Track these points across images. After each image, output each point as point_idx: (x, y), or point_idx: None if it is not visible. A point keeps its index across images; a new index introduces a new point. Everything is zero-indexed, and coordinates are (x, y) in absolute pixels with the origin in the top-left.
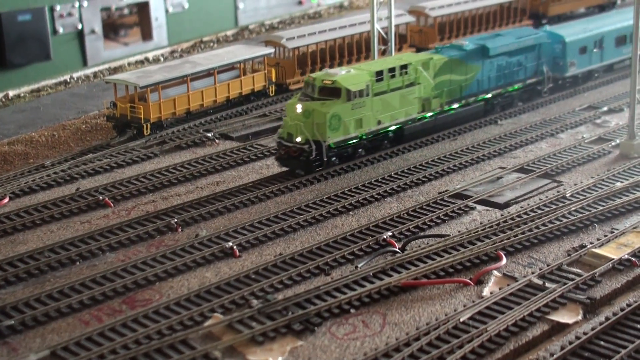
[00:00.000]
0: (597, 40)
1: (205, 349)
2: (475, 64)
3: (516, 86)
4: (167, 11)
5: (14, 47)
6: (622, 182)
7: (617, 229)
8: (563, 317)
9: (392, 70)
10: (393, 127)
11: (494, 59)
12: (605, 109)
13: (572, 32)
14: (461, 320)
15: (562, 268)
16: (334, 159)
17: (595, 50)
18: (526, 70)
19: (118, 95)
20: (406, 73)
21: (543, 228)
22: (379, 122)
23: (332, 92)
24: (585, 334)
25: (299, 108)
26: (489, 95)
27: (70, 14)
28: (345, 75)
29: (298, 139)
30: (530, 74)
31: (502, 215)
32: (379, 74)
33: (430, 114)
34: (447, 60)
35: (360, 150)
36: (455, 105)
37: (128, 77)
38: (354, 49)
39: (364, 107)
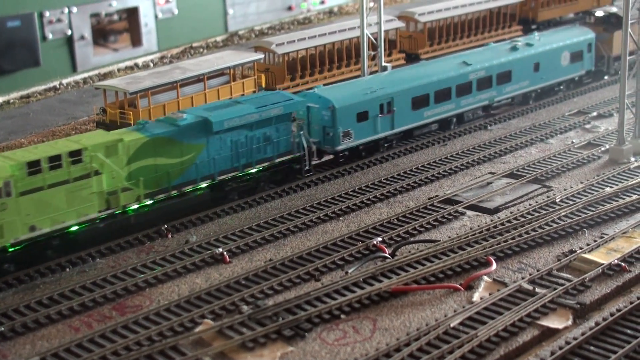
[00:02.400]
0: (385, 102)
1: (195, 355)
2: (196, 142)
3: (261, 166)
4: (156, 17)
5: (3, 53)
6: (611, 187)
7: (607, 234)
8: (553, 322)
9: (55, 159)
10: (60, 231)
11: (225, 135)
12: (594, 114)
13: (347, 94)
14: (451, 325)
15: (552, 273)
16: None
17: (382, 115)
18: (278, 145)
19: (108, 101)
20: (79, 161)
21: (533, 233)
22: (33, 228)
23: None
24: (575, 339)
25: None
26: (219, 180)
27: (59, 20)
28: None
29: None
30: (283, 150)
31: (492, 220)
32: (34, 165)
33: (120, 211)
34: (149, 140)
35: (7, 265)
36: (162, 196)
37: (118, 83)
38: (344, 55)
39: (5, 211)
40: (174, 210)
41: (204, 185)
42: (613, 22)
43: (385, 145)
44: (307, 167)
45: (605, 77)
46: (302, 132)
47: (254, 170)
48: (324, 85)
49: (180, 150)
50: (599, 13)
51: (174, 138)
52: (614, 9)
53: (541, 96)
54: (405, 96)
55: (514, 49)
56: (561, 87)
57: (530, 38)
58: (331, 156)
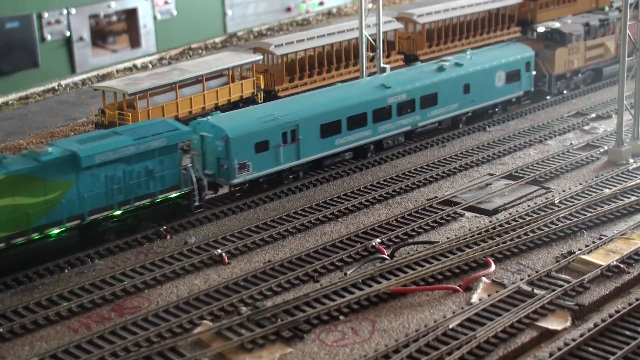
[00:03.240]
0: (288, 130)
1: (194, 356)
2: (63, 178)
3: (142, 203)
4: (155, 18)
5: (1, 54)
6: (610, 188)
7: (606, 236)
8: (552, 323)
9: None
10: None
11: (97, 170)
12: (593, 115)
13: (244, 122)
14: (450, 327)
15: (551, 275)
16: None
17: (285, 144)
18: (162, 179)
19: (106, 102)
20: None
21: (532, 235)
22: None
23: None
24: (574, 340)
25: None
26: (89, 220)
27: (58, 21)
28: None
29: None
30: (169, 184)
31: (490, 222)
32: None
33: None
34: (4, 178)
35: None
36: (21, 240)
37: (116, 84)
38: (343, 56)
39: None
40: (36, 255)
41: (70, 225)
42: (556, 39)
43: (291, 177)
44: (196, 203)
45: (548, 98)
46: (190, 165)
47: (133, 208)
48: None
49: (43, 188)
50: (541, 29)
51: (35, 175)
52: (556, 24)
53: (474, 119)
54: (313, 123)
55: (441, 69)
56: (496, 109)
57: (460, 57)
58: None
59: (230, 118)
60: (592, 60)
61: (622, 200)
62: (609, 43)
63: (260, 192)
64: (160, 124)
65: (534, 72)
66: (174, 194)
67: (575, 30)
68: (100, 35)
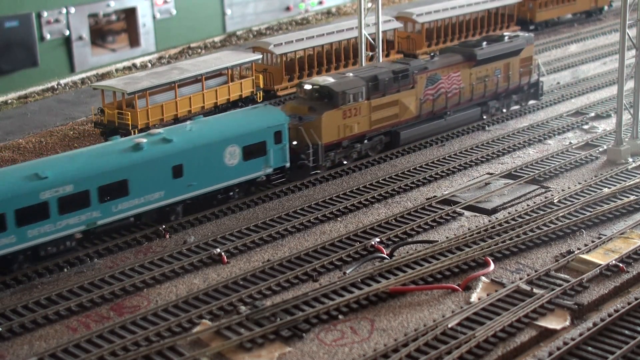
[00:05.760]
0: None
1: (193, 356)
2: None
3: None
4: (154, 17)
5: (1, 54)
6: (609, 188)
7: (605, 235)
8: (551, 323)
9: None
10: None
11: None
12: (592, 114)
13: None
14: (449, 326)
15: (550, 274)
16: None
17: None
18: None
19: (106, 101)
20: None
21: (531, 234)
22: None
23: None
24: (573, 339)
25: None
26: None
27: (57, 21)
28: None
29: None
30: None
31: (490, 221)
32: None
33: None
34: None
35: None
36: None
37: (116, 83)
38: (342, 55)
39: None
40: None
41: None
42: (325, 99)
43: None
44: None
45: (317, 172)
46: None
47: None
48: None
49: None
50: (307, 86)
51: None
52: (329, 80)
53: (195, 208)
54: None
55: (137, 148)
56: (232, 193)
57: (175, 130)
58: None
59: None
60: (381, 123)
61: (621, 199)
62: (406, 100)
63: None
64: None
65: (294, 143)
66: None
67: (351, 87)
68: (100, 35)
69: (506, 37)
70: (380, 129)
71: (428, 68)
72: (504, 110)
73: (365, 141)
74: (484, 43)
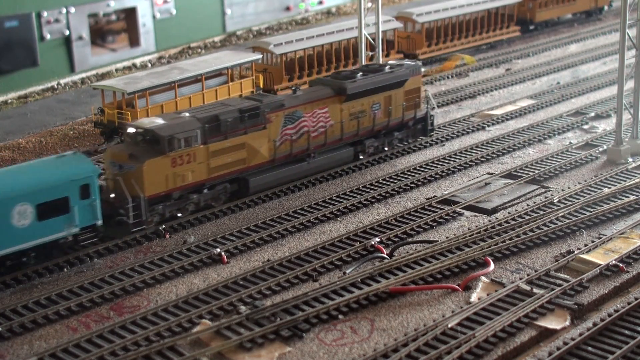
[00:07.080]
0: None
1: (193, 355)
2: None
3: None
4: (154, 17)
5: (0, 54)
6: (609, 187)
7: (605, 235)
8: (551, 323)
9: None
10: None
11: None
12: (592, 114)
13: None
14: (449, 326)
15: (550, 274)
16: None
17: None
18: None
19: (106, 101)
20: None
21: (531, 234)
22: None
23: None
24: (573, 339)
25: None
26: None
27: (57, 20)
28: None
29: None
30: None
31: (489, 221)
32: None
33: None
34: None
35: None
36: None
37: (116, 83)
38: (342, 55)
39: None
40: None
41: None
42: (151, 145)
43: None
44: None
45: (143, 228)
46: None
47: None
48: None
49: None
50: (131, 129)
51: None
52: (157, 122)
53: None
54: None
55: None
56: (25, 259)
57: None
58: None
59: None
60: (224, 170)
61: (621, 199)
62: (256, 142)
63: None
64: None
65: (112, 195)
66: None
67: (181, 131)
68: (100, 34)
69: (387, 67)
70: (223, 177)
71: (285, 105)
72: (386, 149)
73: (205, 191)
74: (359, 74)
